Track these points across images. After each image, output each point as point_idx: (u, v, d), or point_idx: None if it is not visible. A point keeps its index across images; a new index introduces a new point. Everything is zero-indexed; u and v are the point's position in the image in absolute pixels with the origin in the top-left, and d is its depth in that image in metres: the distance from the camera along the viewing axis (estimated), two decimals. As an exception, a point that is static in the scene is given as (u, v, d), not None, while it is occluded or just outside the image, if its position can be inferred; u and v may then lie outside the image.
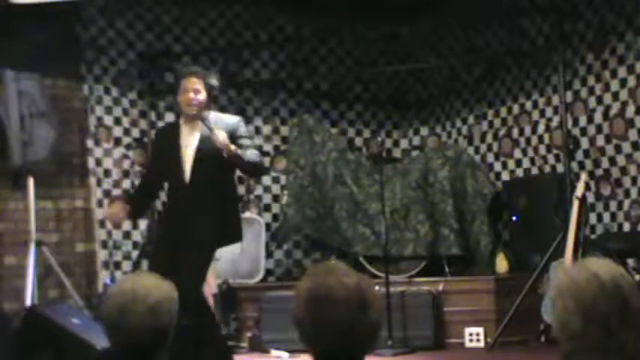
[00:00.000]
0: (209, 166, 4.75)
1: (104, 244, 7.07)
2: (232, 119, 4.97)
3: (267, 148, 7.78)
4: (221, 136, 4.66)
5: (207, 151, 4.75)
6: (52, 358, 5.13)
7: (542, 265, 6.13)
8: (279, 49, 7.89)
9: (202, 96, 4.79)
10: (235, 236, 4.98)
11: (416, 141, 8.24)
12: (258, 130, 7.78)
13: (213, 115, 4.92)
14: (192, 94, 4.78)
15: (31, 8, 6.27)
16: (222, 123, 4.85)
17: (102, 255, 7.04)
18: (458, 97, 7.93)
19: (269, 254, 7.54)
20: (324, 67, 8.06)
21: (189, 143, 4.84)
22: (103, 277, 6.97)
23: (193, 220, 4.73)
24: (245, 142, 4.82)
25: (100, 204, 7.07)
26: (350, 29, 7.99)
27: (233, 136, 4.76)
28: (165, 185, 5.13)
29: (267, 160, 7.76)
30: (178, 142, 4.85)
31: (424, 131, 8.21)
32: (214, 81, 4.96)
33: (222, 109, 7.61)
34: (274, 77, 7.84)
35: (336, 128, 7.99)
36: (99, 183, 7.08)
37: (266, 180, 7.76)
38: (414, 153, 8.11)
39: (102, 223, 7.09)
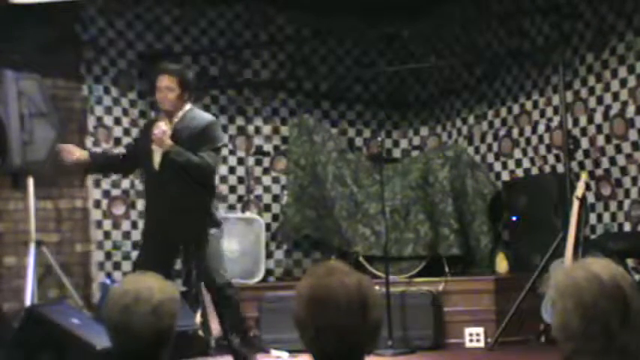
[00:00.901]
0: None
1: (100, 245, 7.06)
2: (204, 119, 5.12)
3: (267, 148, 7.78)
4: (157, 130, 4.88)
5: (177, 143, 4.94)
6: (51, 357, 5.13)
7: (542, 265, 6.13)
8: (279, 49, 7.88)
9: (173, 93, 4.97)
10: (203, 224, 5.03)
11: (416, 141, 8.23)
12: (258, 130, 7.78)
13: (194, 112, 5.11)
14: (162, 93, 5.00)
15: (31, 8, 6.27)
16: (197, 120, 5.06)
17: (97, 256, 7.03)
18: (458, 97, 7.93)
19: (269, 254, 7.54)
20: (324, 67, 8.05)
21: None
22: (97, 278, 6.96)
23: (168, 206, 4.98)
24: (204, 142, 4.97)
25: (97, 205, 7.07)
26: (350, 29, 7.99)
27: (200, 134, 4.96)
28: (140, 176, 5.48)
29: (267, 161, 7.76)
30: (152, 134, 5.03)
31: (424, 131, 8.20)
32: (189, 76, 5.12)
33: (222, 109, 7.63)
34: (274, 77, 7.83)
35: (336, 128, 7.98)
36: (97, 184, 7.08)
37: (266, 180, 7.75)
38: (414, 153, 8.10)
39: (99, 224, 7.08)
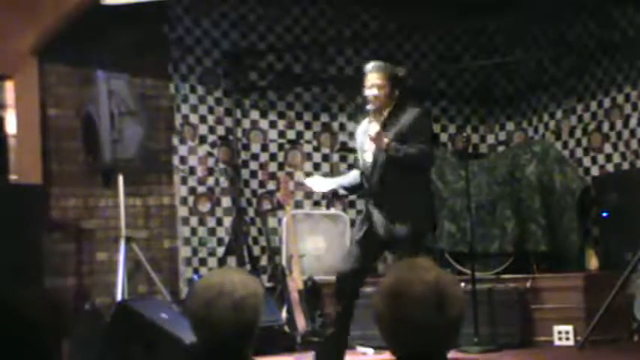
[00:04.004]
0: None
1: (187, 241, 7.16)
2: (413, 111, 5.03)
3: (352, 144, 7.75)
4: (372, 131, 4.88)
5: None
6: (141, 351, 5.23)
7: (633, 263, 5.97)
8: (364, 46, 7.87)
9: (380, 91, 4.95)
10: (422, 222, 5.04)
11: (502, 136, 8.12)
12: (342, 127, 7.78)
13: (403, 107, 5.03)
14: (369, 90, 5.00)
15: (121, 9, 6.40)
16: (406, 114, 4.99)
17: (184, 252, 7.13)
18: (545, 92, 7.78)
19: (354, 250, 7.52)
20: (409, 63, 8.01)
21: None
22: (184, 274, 7.07)
23: (381, 210, 4.98)
24: (413, 136, 4.91)
25: (184, 201, 7.18)
26: (434, 24, 7.91)
27: (410, 127, 4.93)
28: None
29: (351, 157, 7.75)
30: (365, 132, 5.08)
31: (510, 126, 8.09)
32: (399, 72, 5.07)
33: (307, 106, 7.66)
34: (358, 73, 7.80)
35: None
36: (184, 181, 7.19)
37: (350, 176, 7.75)
38: (500, 148, 7.99)
39: (185, 220, 7.18)
